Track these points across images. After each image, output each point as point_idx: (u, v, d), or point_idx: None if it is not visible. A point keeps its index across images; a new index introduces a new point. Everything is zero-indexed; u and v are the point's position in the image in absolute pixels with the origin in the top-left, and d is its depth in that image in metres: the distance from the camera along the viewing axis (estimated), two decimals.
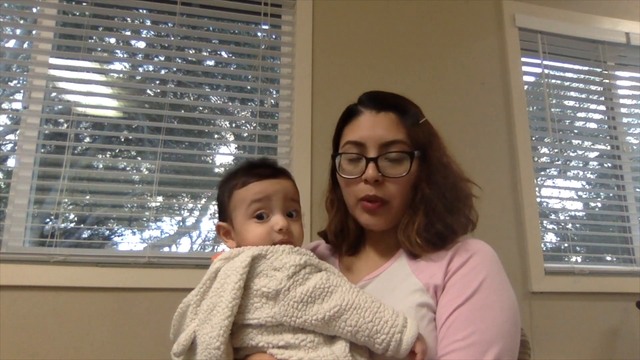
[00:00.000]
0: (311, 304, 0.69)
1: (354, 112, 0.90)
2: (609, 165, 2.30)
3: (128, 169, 1.89)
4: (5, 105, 1.81)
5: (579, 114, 2.41)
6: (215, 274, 0.74)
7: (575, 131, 2.33)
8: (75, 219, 1.78)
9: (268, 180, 0.82)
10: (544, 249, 2.02)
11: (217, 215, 0.90)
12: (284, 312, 0.69)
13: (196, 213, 1.95)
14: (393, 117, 0.86)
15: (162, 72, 1.95)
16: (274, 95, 2.00)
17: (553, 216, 2.22)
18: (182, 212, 1.95)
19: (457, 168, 0.89)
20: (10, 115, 1.81)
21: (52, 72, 1.78)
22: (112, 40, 1.96)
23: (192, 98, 1.95)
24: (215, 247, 1.86)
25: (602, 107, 2.36)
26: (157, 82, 1.93)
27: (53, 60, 1.79)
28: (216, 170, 1.94)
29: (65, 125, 1.77)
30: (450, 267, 0.79)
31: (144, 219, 1.77)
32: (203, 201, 1.92)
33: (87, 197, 1.78)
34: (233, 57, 2.06)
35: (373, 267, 0.87)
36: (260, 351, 0.70)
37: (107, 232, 1.82)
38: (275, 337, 0.70)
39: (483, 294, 0.74)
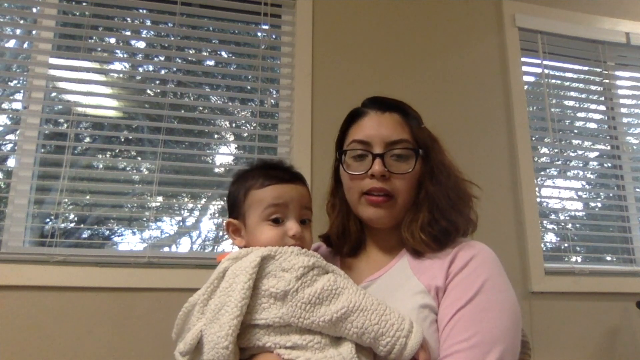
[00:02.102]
0: (319, 306, 0.70)
1: (359, 113, 0.92)
2: (609, 165, 2.30)
3: (128, 169, 1.89)
4: (5, 105, 1.81)
5: (579, 114, 2.40)
6: (223, 273, 0.74)
7: (575, 131, 2.33)
8: (75, 219, 1.78)
9: (287, 184, 0.83)
10: (544, 249, 2.02)
11: (226, 211, 0.89)
12: (292, 313, 0.69)
13: (196, 213, 1.95)
14: (397, 117, 0.88)
15: (162, 72, 1.95)
16: (274, 95, 2.00)
17: (553, 216, 2.22)
18: (182, 212, 1.95)
19: (458, 170, 0.91)
20: (10, 115, 1.81)
21: (52, 72, 1.78)
22: (112, 40, 1.96)
23: (192, 98, 1.95)
24: (216, 247, 1.87)
25: (602, 107, 2.36)
26: (157, 82, 1.93)
27: (53, 60, 1.79)
28: (216, 170, 1.94)
29: (65, 125, 1.77)
30: (451, 269, 0.79)
31: (144, 219, 1.77)
32: (203, 201, 1.92)
33: (87, 197, 1.78)
34: (233, 57, 2.06)
35: (375, 268, 0.88)
36: (267, 351, 0.71)
37: (107, 232, 1.82)
38: (283, 338, 0.70)
39: (485, 295, 0.75)
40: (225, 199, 0.91)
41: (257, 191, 0.82)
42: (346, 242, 0.94)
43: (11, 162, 1.75)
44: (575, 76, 2.39)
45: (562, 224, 2.24)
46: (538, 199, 2.05)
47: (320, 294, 0.70)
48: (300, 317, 0.69)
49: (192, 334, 0.72)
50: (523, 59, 2.19)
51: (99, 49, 1.91)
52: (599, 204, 2.30)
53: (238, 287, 0.69)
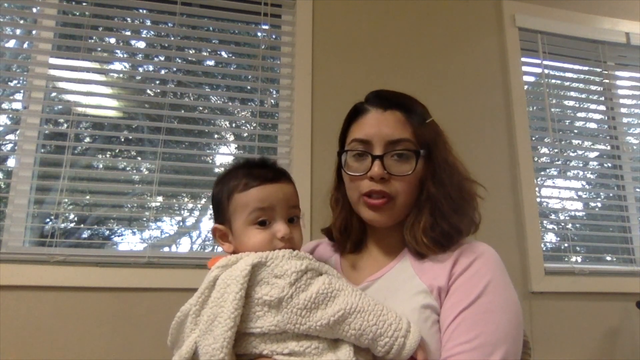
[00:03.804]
0: (315, 310, 0.69)
1: (361, 110, 0.90)
2: (609, 165, 2.30)
3: (128, 169, 1.89)
4: (5, 105, 1.81)
5: (579, 114, 2.40)
6: (214, 282, 0.72)
7: (575, 131, 2.33)
8: (75, 219, 1.78)
9: (270, 184, 0.79)
10: (544, 249, 2.02)
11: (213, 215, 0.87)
12: (288, 320, 0.68)
13: (196, 213, 1.95)
14: (399, 115, 0.86)
15: (162, 72, 1.95)
16: (274, 95, 2.00)
17: (553, 216, 2.22)
18: (182, 212, 1.95)
19: (463, 168, 0.89)
20: (10, 115, 1.81)
21: (52, 72, 1.78)
22: (112, 40, 1.96)
23: (192, 98, 1.95)
24: (215, 247, 1.86)
25: (602, 107, 2.36)
26: (157, 82, 1.93)
27: (53, 60, 1.79)
28: (216, 170, 1.93)
29: (65, 125, 1.77)
30: (454, 270, 0.79)
31: (144, 219, 1.77)
32: (203, 201, 1.92)
33: (87, 197, 1.78)
34: (233, 57, 2.06)
35: (376, 267, 0.87)
36: (264, 357, 0.70)
37: (107, 232, 1.82)
38: (280, 345, 0.69)
39: (488, 297, 0.75)
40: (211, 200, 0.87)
41: (241, 194, 0.79)
42: (349, 239, 0.93)
43: (11, 162, 1.75)
44: (575, 76, 2.39)
45: (562, 224, 2.24)
46: (538, 199, 2.05)
47: (316, 298, 0.69)
48: (296, 323, 0.68)
49: (186, 347, 0.71)
50: (523, 59, 2.19)
51: (99, 49, 1.91)
52: (599, 204, 2.29)
53: (230, 298, 0.68)
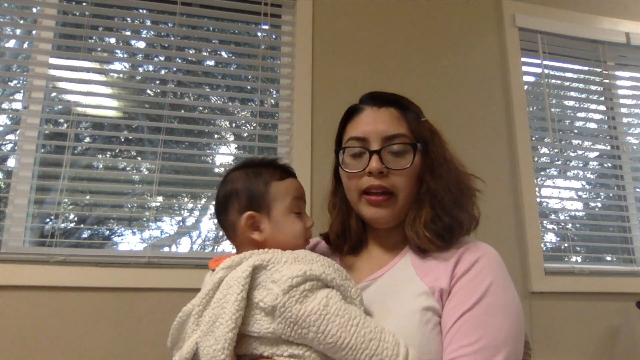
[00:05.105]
0: (306, 330, 0.67)
1: (356, 110, 0.91)
2: (609, 165, 2.30)
3: (128, 169, 1.89)
4: (5, 105, 1.81)
5: (579, 114, 2.40)
6: (219, 283, 0.72)
7: (575, 131, 2.33)
8: (75, 219, 1.78)
9: (295, 179, 0.86)
10: (544, 249, 2.02)
11: (222, 208, 0.84)
12: (282, 330, 0.68)
13: (196, 213, 1.95)
14: (394, 112, 0.87)
15: (162, 72, 1.95)
16: (274, 95, 2.00)
17: (553, 216, 2.22)
18: (182, 212, 1.95)
19: (460, 164, 0.90)
20: (10, 115, 1.81)
21: (52, 72, 1.78)
22: (112, 40, 1.96)
23: (192, 98, 1.95)
24: (216, 247, 1.86)
25: (602, 107, 2.36)
26: (157, 82, 1.93)
27: (53, 60, 1.79)
28: (216, 170, 1.94)
29: (65, 125, 1.77)
30: (456, 272, 0.78)
31: (144, 219, 1.77)
32: (203, 201, 1.92)
33: (87, 197, 1.78)
34: (233, 57, 2.06)
35: (376, 267, 0.87)
36: (265, 358, 0.70)
37: (107, 232, 1.82)
38: (279, 348, 0.69)
39: (490, 298, 0.74)
40: (226, 196, 0.84)
41: (280, 183, 0.82)
42: (347, 241, 0.93)
43: (11, 162, 1.75)
44: (575, 76, 2.39)
45: (562, 224, 2.24)
46: (538, 199, 2.05)
47: (308, 317, 0.67)
48: (290, 336, 0.68)
49: (187, 347, 0.71)
50: (523, 59, 2.19)
51: (99, 49, 1.91)
52: (599, 204, 2.29)
53: (231, 299, 0.68)
